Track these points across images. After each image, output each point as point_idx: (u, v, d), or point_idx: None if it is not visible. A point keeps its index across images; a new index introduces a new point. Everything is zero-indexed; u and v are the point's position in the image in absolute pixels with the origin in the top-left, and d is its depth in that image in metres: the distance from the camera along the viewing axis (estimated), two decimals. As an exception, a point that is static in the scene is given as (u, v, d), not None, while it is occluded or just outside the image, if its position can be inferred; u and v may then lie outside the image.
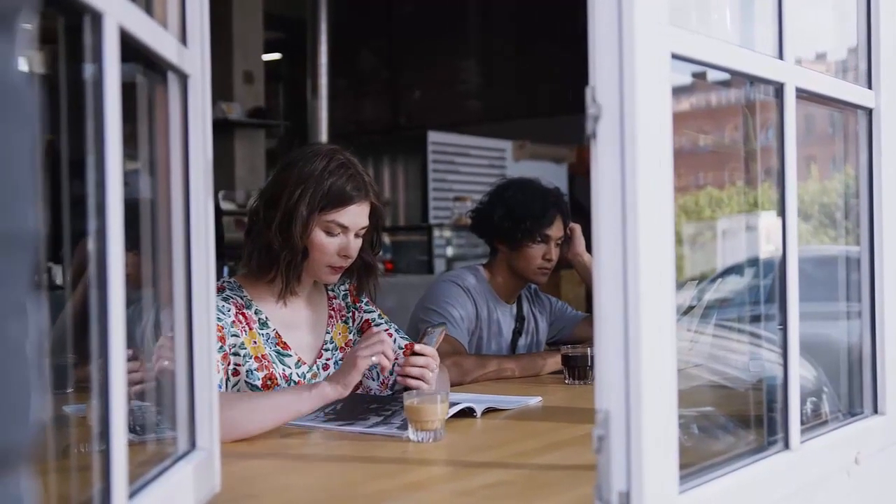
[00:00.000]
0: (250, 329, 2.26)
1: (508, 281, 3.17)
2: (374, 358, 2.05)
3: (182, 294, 1.42)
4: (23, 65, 0.63)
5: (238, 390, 2.21)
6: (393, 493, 1.60)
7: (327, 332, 2.43)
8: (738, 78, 1.66)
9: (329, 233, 2.27)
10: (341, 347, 2.43)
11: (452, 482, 1.70)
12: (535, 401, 2.44)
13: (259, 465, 1.84)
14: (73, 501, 1.17)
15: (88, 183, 1.06)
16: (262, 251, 2.28)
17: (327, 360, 2.39)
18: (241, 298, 2.29)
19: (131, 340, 1.11)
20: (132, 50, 1.16)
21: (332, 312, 2.46)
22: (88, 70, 1.05)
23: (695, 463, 1.39)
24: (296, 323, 2.37)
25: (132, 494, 1.13)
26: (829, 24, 2.13)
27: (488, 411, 2.26)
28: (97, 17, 1.03)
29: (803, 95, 1.64)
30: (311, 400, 2.05)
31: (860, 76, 1.90)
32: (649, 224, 1.21)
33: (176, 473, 1.32)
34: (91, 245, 1.05)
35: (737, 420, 1.78)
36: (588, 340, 3.01)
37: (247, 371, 2.22)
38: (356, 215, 2.29)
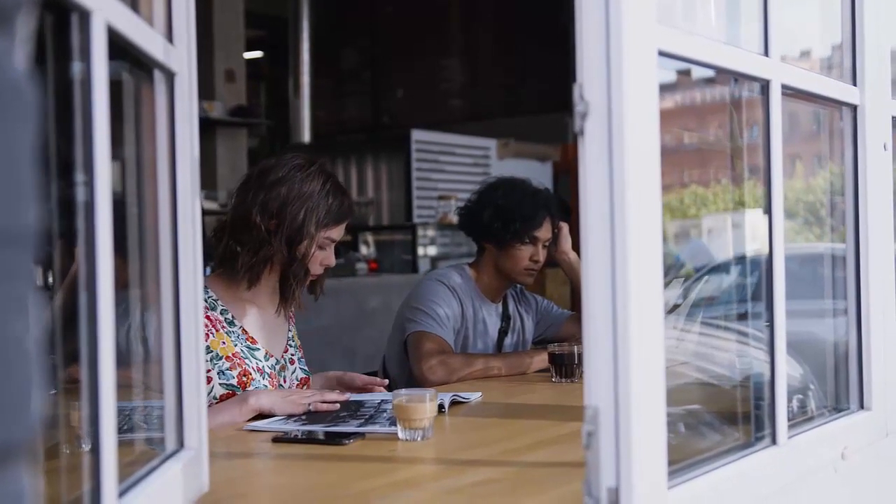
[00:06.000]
0: (217, 331, 2.33)
1: (494, 280, 3.17)
2: (311, 407, 2.20)
3: (169, 294, 1.41)
4: (22, 62, 0.63)
5: (214, 397, 2.24)
6: (382, 491, 1.60)
7: (289, 331, 2.55)
8: (723, 75, 1.66)
9: (321, 247, 2.40)
10: (299, 346, 2.58)
11: (441, 480, 1.70)
12: (475, 396, 2.47)
13: (247, 465, 1.84)
14: (62, 501, 1.17)
15: (75, 182, 1.05)
16: (261, 263, 2.36)
17: (292, 355, 2.53)
18: (206, 300, 2.33)
19: (116, 341, 1.10)
20: (118, 48, 1.15)
21: (291, 314, 2.58)
22: (76, 68, 1.05)
23: (684, 459, 1.39)
24: (261, 322, 2.45)
25: (121, 493, 1.13)
26: (813, 21, 2.14)
27: (454, 404, 2.32)
28: (85, 15, 1.02)
29: (789, 92, 1.64)
30: (244, 416, 2.16)
31: (845, 73, 1.90)
32: (637, 221, 1.22)
33: (164, 473, 1.31)
34: (79, 246, 1.04)
35: (724, 416, 1.79)
36: (574, 339, 3.02)
37: (219, 372, 2.29)
38: (343, 230, 2.46)
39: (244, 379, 2.31)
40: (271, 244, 2.33)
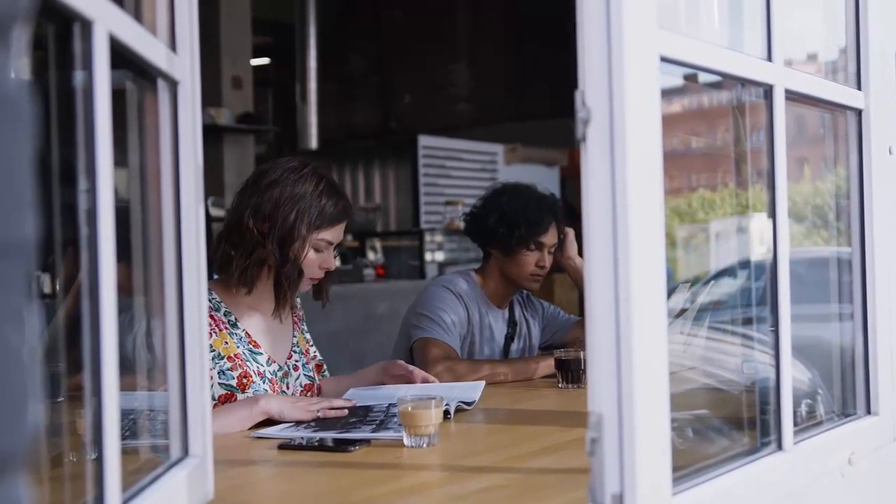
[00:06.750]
0: (220, 330, 2.34)
1: (500, 286, 3.17)
2: (319, 413, 2.20)
3: (174, 302, 1.41)
4: (19, 73, 0.63)
5: (213, 397, 2.25)
6: (387, 498, 1.60)
7: (294, 336, 2.54)
8: (729, 80, 1.66)
9: (317, 250, 2.40)
10: (304, 352, 2.56)
11: (447, 487, 1.69)
12: (480, 386, 2.51)
13: (252, 473, 1.84)
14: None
15: (79, 191, 1.05)
16: (255, 265, 2.35)
17: (296, 361, 2.52)
18: (210, 301, 2.34)
19: (122, 349, 1.10)
20: (121, 57, 1.16)
21: (296, 319, 2.58)
22: (78, 77, 1.05)
23: (688, 465, 1.39)
24: (265, 327, 2.46)
25: (125, 501, 1.13)
26: (818, 26, 2.13)
27: (459, 410, 2.31)
28: (87, 25, 1.03)
29: (793, 97, 1.64)
30: (254, 418, 2.16)
31: (849, 77, 1.90)
32: (640, 227, 1.21)
33: (169, 480, 1.31)
34: (82, 253, 1.04)
35: (730, 422, 1.78)
36: (581, 344, 3.01)
37: (219, 372, 2.30)
38: (341, 232, 2.45)
39: (244, 381, 2.32)
40: (264, 247, 2.33)
